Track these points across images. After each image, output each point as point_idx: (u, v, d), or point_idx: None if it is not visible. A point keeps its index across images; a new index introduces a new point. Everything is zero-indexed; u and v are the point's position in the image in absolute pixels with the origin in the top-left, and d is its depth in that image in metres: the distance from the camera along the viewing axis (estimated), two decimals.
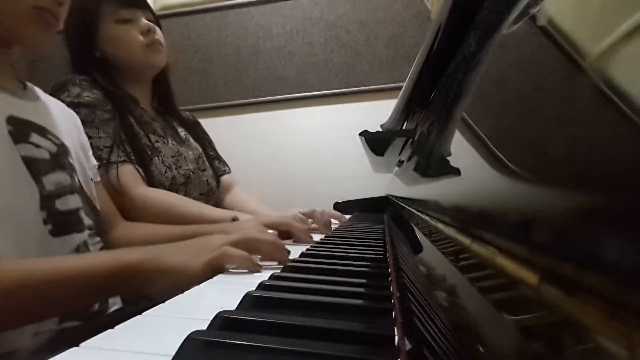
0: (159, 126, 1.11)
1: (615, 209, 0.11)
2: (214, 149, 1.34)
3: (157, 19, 1.15)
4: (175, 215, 0.94)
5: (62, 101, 0.93)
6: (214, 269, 0.50)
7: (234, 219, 0.97)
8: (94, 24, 1.05)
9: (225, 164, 1.35)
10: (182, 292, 0.41)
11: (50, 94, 0.94)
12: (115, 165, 0.94)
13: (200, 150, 1.21)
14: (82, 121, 0.92)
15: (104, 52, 1.06)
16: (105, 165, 0.93)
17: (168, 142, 1.10)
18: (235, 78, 1.86)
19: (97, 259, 0.51)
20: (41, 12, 0.59)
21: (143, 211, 0.93)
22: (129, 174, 0.95)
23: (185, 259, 0.50)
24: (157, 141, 1.06)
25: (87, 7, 1.05)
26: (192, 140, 1.21)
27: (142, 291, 0.50)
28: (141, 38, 1.06)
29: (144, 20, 1.07)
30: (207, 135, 1.33)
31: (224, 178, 1.32)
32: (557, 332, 0.13)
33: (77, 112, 0.93)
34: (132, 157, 0.98)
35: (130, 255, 0.49)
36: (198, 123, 1.33)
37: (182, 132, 1.19)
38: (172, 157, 1.07)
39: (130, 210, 0.92)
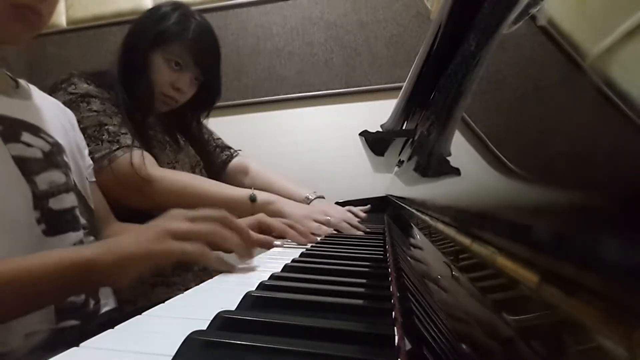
0: (157, 133, 1.11)
1: (615, 209, 0.11)
2: (215, 140, 1.31)
3: (213, 79, 1.12)
4: (191, 194, 0.94)
5: (70, 93, 0.92)
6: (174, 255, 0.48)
7: (252, 198, 0.96)
8: (157, 42, 1.02)
9: (229, 147, 1.32)
10: (182, 292, 0.41)
11: (52, 87, 0.93)
12: (136, 149, 0.93)
13: (199, 158, 1.20)
14: (96, 111, 0.93)
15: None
16: (123, 148, 0.91)
17: (166, 148, 1.10)
18: (235, 78, 1.85)
19: (43, 258, 0.47)
20: (21, 9, 0.56)
21: (160, 190, 0.92)
22: (147, 157, 0.95)
23: (147, 243, 0.48)
24: (155, 147, 1.05)
25: (167, 26, 1.03)
26: (190, 148, 1.20)
27: (107, 285, 0.47)
28: (169, 88, 1.04)
29: (187, 79, 1.06)
30: (205, 133, 1.29)
31: (236, 160, 1.30)
32: (557, 332, 0.13)
33: (87, 103, 0.93)
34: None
35: (86, 251, 0.47)
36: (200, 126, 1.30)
37: (181, 140, 1.19)
38: (167, 163, 1.06)
39: (147, 191, 0.91)
